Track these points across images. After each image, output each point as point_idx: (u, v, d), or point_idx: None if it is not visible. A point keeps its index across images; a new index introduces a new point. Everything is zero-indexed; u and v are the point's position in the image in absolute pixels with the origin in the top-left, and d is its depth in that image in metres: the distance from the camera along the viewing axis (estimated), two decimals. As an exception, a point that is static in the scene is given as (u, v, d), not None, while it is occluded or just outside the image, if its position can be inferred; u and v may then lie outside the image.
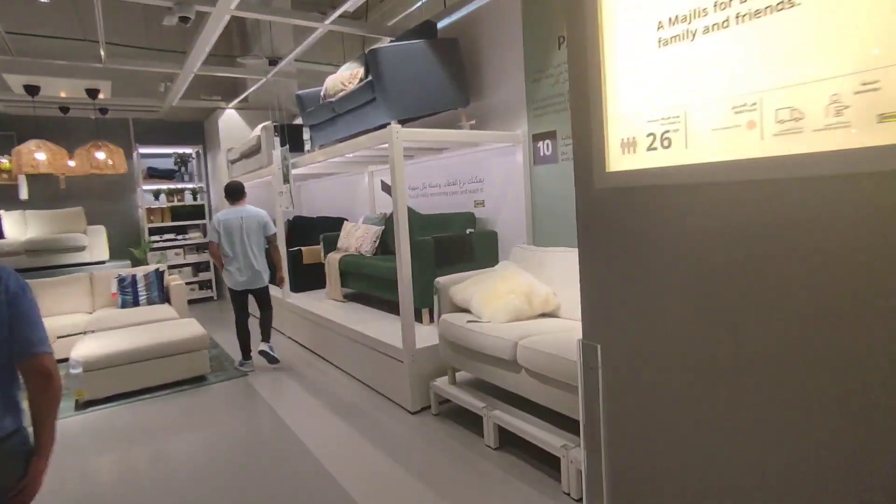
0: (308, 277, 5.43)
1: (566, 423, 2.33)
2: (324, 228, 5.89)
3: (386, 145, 3.30)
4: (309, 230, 6.30)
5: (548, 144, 3.44)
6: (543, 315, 2.83)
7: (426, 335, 3.33)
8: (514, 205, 3.76)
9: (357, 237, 4.85)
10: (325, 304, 4.64)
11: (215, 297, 7.77)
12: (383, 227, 4.83)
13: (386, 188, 5.33)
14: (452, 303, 2.96)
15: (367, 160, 4.84)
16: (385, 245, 4.81)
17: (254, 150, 5.61)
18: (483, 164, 4.01)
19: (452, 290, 2.92)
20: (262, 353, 4.15)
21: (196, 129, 7.81)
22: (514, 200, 3.75)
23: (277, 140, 4.93)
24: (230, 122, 7.17)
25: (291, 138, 4.93)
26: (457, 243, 3.72)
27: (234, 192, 4.25)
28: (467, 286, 2.88)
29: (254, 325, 4.31)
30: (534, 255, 3.05)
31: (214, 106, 7.05)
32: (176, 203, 7.51)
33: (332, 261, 4.76)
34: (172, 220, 7.49)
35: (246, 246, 4.09)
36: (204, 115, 7.53)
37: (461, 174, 4.25)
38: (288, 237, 6.29)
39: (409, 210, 4.76)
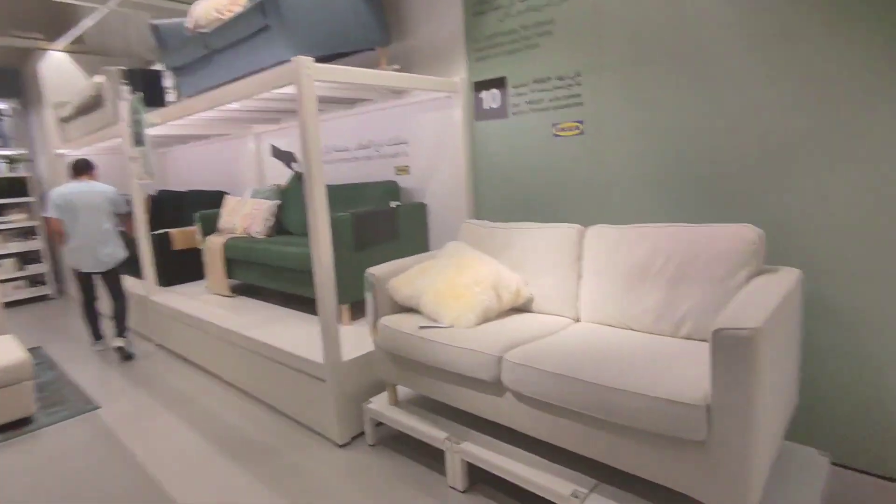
0: (180, 267, 4.31)
1: (568, 458, 1.76)
2: (198, 205, 4.75)
3: (287, 90, 2.43)
4: (179, 208, 5.09)
5: (494, 95, 2.78)
6: (514, 310, 2.22)
7: (350, 339, 2.58)
8: (448, 171, 3.07)
9: (244, 215, 3.86)
10: (207, 302, 3.63)
11: (55, 295, 6.17)
12: (278, 201, 3.89)
13: (279, 154, 4.34)
14: (392, 300, 2.23)
15: (252, 117, 3.82)
16: (281, 224, 3.89)
17: (93, 104, 4.27)
18: (407, 121, 3.25)
19: (393, 285, 2.19)
20: (117, 349, 3.72)
21: (9, 78, 6.00)
22: (448, 166, 3.07)
23: (127, 90, 3.72)
24: (59, 68, 5.55)
25: (148, 89, 3.74)
26: (380, 220, 2.96)
27: (80, 168, 3.79)
28: (412, 278, 2.17)
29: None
30: (493, 235, 2.40)
31: (32, 46, 5.39)
32: (-14, 175, 5.73)
33: (214, 246, 3.73)
34: (-19, 199, 5.72)
35: (92, 224, 3.63)
36: (18, 58, 5.77)
37: (378, 134, 3.46)
38: (151, 217, 5.04)
39: (329, 186, 3.88)
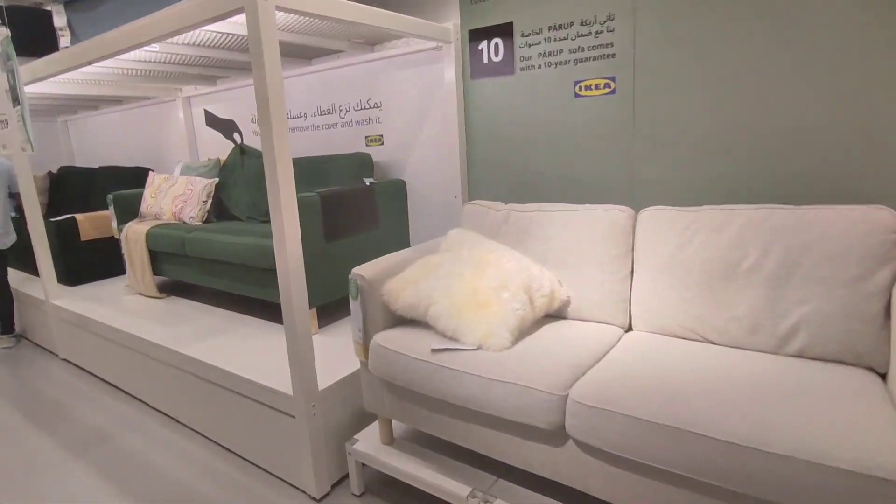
0: (91, 262, 3.50)
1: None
2: (113, 185, 3.91)
3: (230, 26, 1.79)
4: (88, 187, 4.22)
5: (496, 46, 2.24)
6: (547, 317, 1.73)
7: (321, 354, 2.00)
8: (434, 141, 2.52)
9: (174, 197, 3.12)
10: (126, 306, 2.90)
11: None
12: (216, 179, 3.18)
13: (216, 123, 3.60)
14: (387, 310, 1.68)
15: (180, 73, 3.07)
16: (221, 207, 3.20)
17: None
18: (382, 79, 2.65)
19: (389, 289, 1.63)
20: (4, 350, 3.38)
21: None
22: (434, 135, 2.51)
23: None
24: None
25: (30, 31, 2.90)
26: (355, 202, 2.38)
27: None
28: (414, 280, 1.62)
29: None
30: (509, 220, 1.89)
31: None
32: None
33: (135, 235, 2.99)
34: None
35: None
36: None
37: (343, 97, 2.83)
38: (50, 200, 4.14)
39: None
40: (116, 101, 4.21)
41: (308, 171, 2.79)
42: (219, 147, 3.63)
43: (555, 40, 2.09)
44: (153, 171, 4.01)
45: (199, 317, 2.61)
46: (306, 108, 3.02)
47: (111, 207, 3.18)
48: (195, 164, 3.37)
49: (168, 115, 3.96)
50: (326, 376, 1.82)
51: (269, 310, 2.64)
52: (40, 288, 3.33)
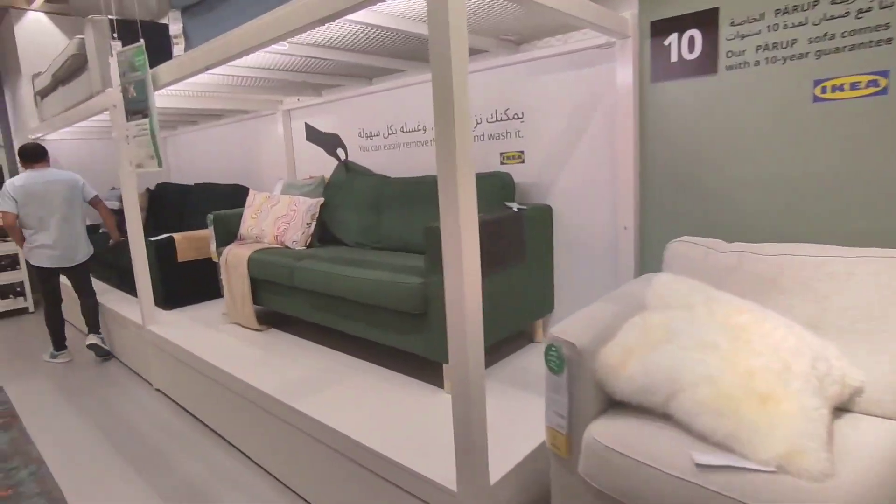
0: (187, 284, 3.29)
1: None
2: (209, 203, 3.73)
3: (381, 10, 1.44)
4: (182, 206, 4.08)
5: (691, 39, 1.78)
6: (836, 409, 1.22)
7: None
8: (593, 160, 2.07)
9: (276, 218, 2.84)
10: (225, 338, 2.61)
11: (33, 308, 5.13)
12: (321, 199, 2.88)
13: (318, 138, 3.33)
14: (599, 388, 1.22)
15: (283, 84, 2.82)
16: (324, 230, 2.89)
17: (74, 68, 3.24)
18: (526, 86, 2.24)
19: (607, 362, 1.18)
20: (91, 346, 3.37)
21: (-21, 46, 4.96)
22: (594, 151, 2.06)
23: (117, 45, 2.69)
24: (38, 31, 4.51)
25: (149, 44, 2.72)
26: (507, 231, 1.96)
27: (33, 154, 3.32)
28: (637, 348, 1.16)
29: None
30: (740, 264, 1.40)
31: (5, 4, 4.35)
32: (-52, 163, 4.69)
33: (236, 260, 2.72)
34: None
35: (56, 213, 3.27)
36: (-10, 21, 4.73)
37: (475, 107, 2.45)
38: (146, 218, 4.02)
39: (376, 176, 2.87)
40: (215, 115, 4.07)
41: (426, 193, 2.41)
42: (319, 164, 3.35)
43: (785, 27, 1.59)
44: (251, 189, 3.80)
45: (306, 358, 2.27)
46: (427, 120, 2.66)
47: (211, 228, 2.95)
48: (297, 182, 3.10)
49: (266, 130, 3.74)
50: (499, 464, 1.39)
51: (392, 356, 2.26)
52: (137, 309, 3.14)
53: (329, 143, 3.26)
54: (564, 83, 2.12)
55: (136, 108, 2.44)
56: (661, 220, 1.94)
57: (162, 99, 2.89)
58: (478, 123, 2.44)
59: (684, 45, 1.79)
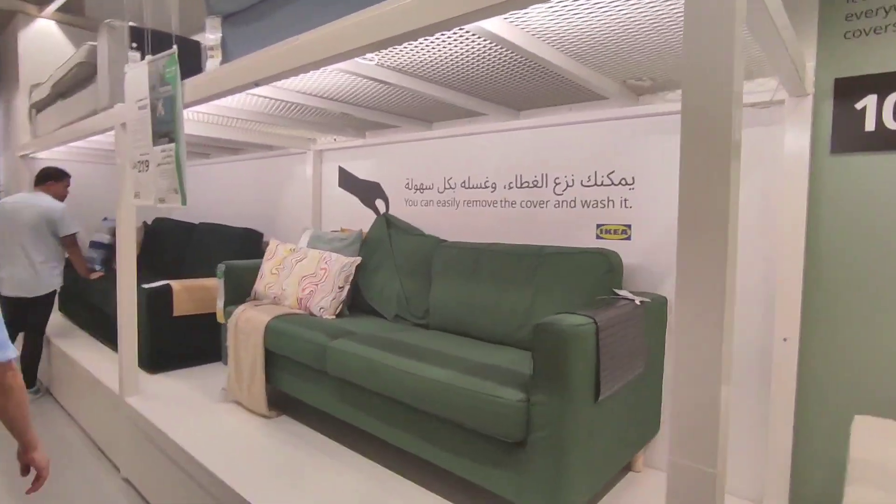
0: (181, 344, 2.72)
1: None
2: (217, 247, 3.22)
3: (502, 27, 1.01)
4: (183, 248, 3.56)
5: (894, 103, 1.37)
6: None
7: None
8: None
9: (302, 277, 2.33)
10: (223, 425, 2.04)
11: None
12: (358, 259, 2.39)
13: (354, 184, 2.87)
14: None
15: (323, 118, 2.39)
16: (357, 296, 2.39)
17: (79, 79, 2.80)
18: (641, 144, 1.82)
19: None
20: None
21: (-22, 53, 4.55)
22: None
23: (134, 58, 2.25)
24: (45, 40, 4.11)
25: (180, 60, 2.29)
26: (627, 331, 1.46)
27: (38, 177, 3.20)
28: None
29: None
30: None
31: (11, 8, 3.97)
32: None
33: (249, 326, 2.18)
34: None
35: (16, 245, 2.98)
36: (-5, 27, 4.34)
37: (566, 166, 2.01)
38: (139, 255, 3.48)
39: (426, 237, 2.40)
40: (232, 149, 3.62)
41: (514, 265, 1.93)
42: (351, 216, 2.88)
43: None
44: (268, 237, 3.31)
45: (332, 469, 1.70)
46: (497, 176, 2.22)
47: (221, 281, 2.42)
48: (327, 234, 2.61)
49: (291, 171, 3.29)
50: None
51: (460, 486, 1.70)
52: (114, 371, 2.55)
53: (367, 192, 2.80)
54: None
55: (163, 129, 1.97)
56: (839, 328, 1.46)
57: (197, 116, 2.44)
58: (568, 186, 2.00)
59: (888, 112, 1.37)
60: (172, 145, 1.88)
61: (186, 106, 1.96)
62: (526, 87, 1.77)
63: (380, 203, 2.73)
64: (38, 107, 3.60)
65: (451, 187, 2.39)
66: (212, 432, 1.97)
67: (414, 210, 2.55)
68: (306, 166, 3.10)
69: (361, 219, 2.81)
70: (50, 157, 3.84)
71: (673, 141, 1.74)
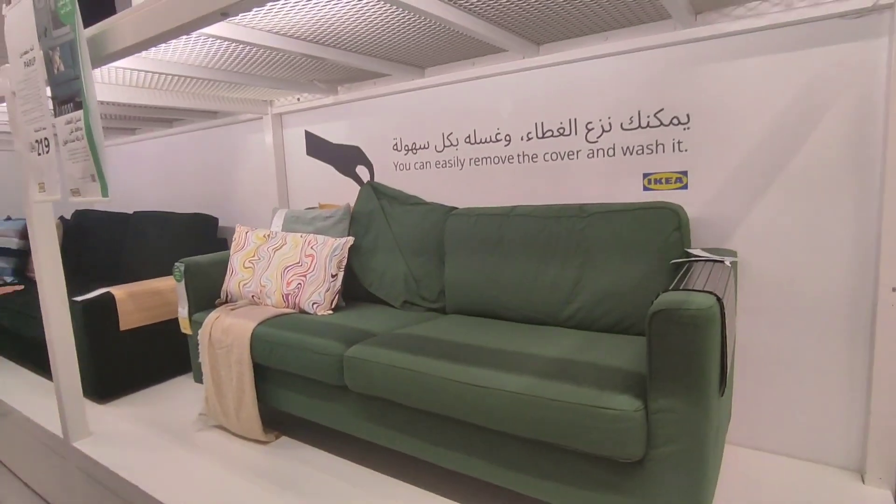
0: (133, 362, 2.24)
1: None
2: (160, 241, 2.71)
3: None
4: (116, 245, 3.02)
5: None
6: None
7: None
8: (821, 189, 1.37)
9: (285, 268, 1.92)
10: (211, 463, 1.64)
11: None
12: (349, 238, 2.00)
13: (324, 150, 2.42)
14: None
15: (279, 73, 1.95)
16: (351, 281, 2.02)
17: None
18: (700, 75, 1.51)
19: None
20: None
21: None
22: (826, 177, 1.37)
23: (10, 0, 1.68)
24: None
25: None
26: (730, 305, 1.19)
27: None
28: None
29: None
30: None
31: None
32: None
33: (227, 337, 1.75)
34: None
35: None
36: None
37: (599, 107, 1.69)
38: (63, 261, 2.94)
39: (428, 205, 2.04)
40: (164, 121, 3.04)
41: (550, 230, 1.61)
42: (326, 190, 2.44)
43: None
44: (231, 222, 2.83)
45: (365, 501, 1.37)
46: (511, 127, 1.86)
47: (181, 283, 1.95)
48: (306, 213, 2.18)
49: (243, 141, 2.78)
50: None
51: (477, 490, 1.40)
52: (53, 409, 2.06)
53: (344, 158, 2.37)
54: (770, 71, 1.41)
55: (65, 92, 1.45)
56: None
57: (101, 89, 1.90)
58: (604, 132, 1.68)
59: None
60: (80, 113, 1.39)
61: (107, 59, 1.47)
62: (549, 10, 1.41)
63: (362, 170, 2.32)
64: None
65: (452, 144, 2.01)
66: (198, 472, 1.58)
67: (406, 175, 2.16)
68: (263, 134, 2.61)
69: (339, 191, 2.39)
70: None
71: (738, 67, 1.45)
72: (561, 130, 1.76)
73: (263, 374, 1.72)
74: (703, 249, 1.46)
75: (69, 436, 1.83)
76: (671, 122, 1.57)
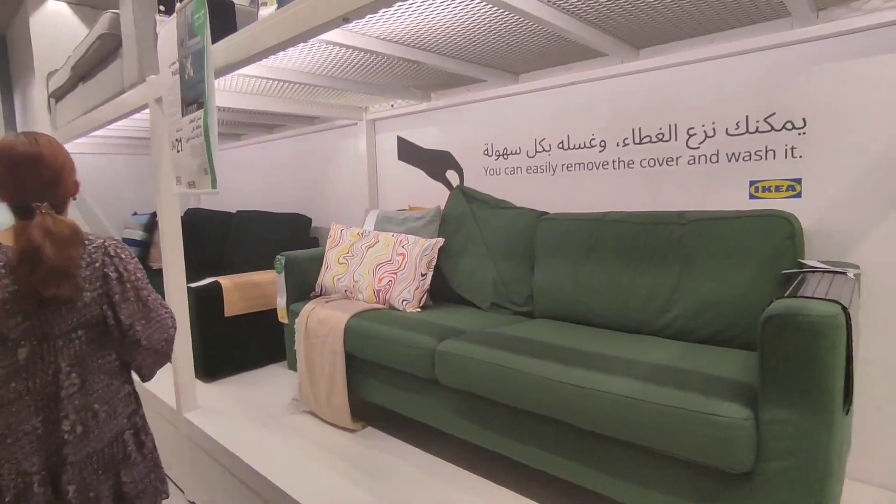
0: (234, 347, 2.43)
1: None
2: (261, 237, 2.92)
3: None
4: (221, 240, 3.27)
5: None
6: None
7: None
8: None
9: (377, 266, 2.00)
10: (302, 443, 1.74)
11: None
12: (439, 240, 2.04)
13: (414, 155, 2.51)
14: None
15: (374, 78, 2.04)
16: (441, 282, 2.06)
17: (102, 56, 2.46)
18: (818, 75, 1.42)
19: None
20: None
21: (-13, 43, 4.26)
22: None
23: (163, 21, 1.90)
24: (57, 25, 3.78)
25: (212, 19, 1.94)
26: (854, 318, 1.10)
27: None
28: None
29: None
30: None
31: (19, -11, 3.64)
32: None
33: (323, 327, 1.85)
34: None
35: None
36: (6, 19, 4.01)
37: (702, 113, 1.63)
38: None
39: (519, 210, 2.05)
40: (266, 127, 3.29)
41: (647, 237, 1.57)
42: (415, 193, 2.53)
43: None
44: (321, 222, 2.99)
45: (451, 497, 1.39)
46: (607, 132, 1.84)
47: (281, 276, 2.10)
48: (397, 214, 2.27)
49: (338, 146, 2.95)
50: None
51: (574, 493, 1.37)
52: (169, 383, 2.26)
53: (435, 163, 2.45)
54: (904, 70, 1.30)
55: (191, 95, 1.63)
56: None
57: (227, 97, 2.10)
58: (707, 137, 1.62)
59: None
60: (201, 112, 1.54)
61: (234, 68, 1.62)
62: (654, 13, 1.39)
63: (451, 175, 2.38)
64: (58, 96, 3.28)
65: (544, 150, 2.02)
66: (290, 451, 1.68)
67: (496, 180, 2.19)
68: (358, 139, 2.75)
69: (429, 195, 2.46)
70: (74, 150, 3.54)
71: (867, 65, 1.35)
72: (660, 136, 1.71)
73: (354, 365, 1.80)
74: (820, 262, 1.36)
75: (181, 407, 2.01)
76: (784, 127, 1.48)
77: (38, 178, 0.96)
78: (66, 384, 0.93)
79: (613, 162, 1.83)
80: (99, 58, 2.48)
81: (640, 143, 1.76)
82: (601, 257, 1.66)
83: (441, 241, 2.02)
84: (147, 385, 2.31)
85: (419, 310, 1.91)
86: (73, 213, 2.12)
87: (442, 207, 2.22)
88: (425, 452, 1.66)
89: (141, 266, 1.06)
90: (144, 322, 1.00)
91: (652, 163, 1.74)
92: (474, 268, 2.00)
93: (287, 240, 2.86)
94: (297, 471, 1.55)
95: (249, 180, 3.71)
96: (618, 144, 1.82)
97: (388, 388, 1.70)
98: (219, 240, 3.27)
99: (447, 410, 1.50)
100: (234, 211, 3.40)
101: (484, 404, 1.40)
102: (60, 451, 0.93)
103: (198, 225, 3.55)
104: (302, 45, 1.63)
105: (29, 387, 0.91)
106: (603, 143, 1.85)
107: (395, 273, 1.96)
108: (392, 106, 2.54)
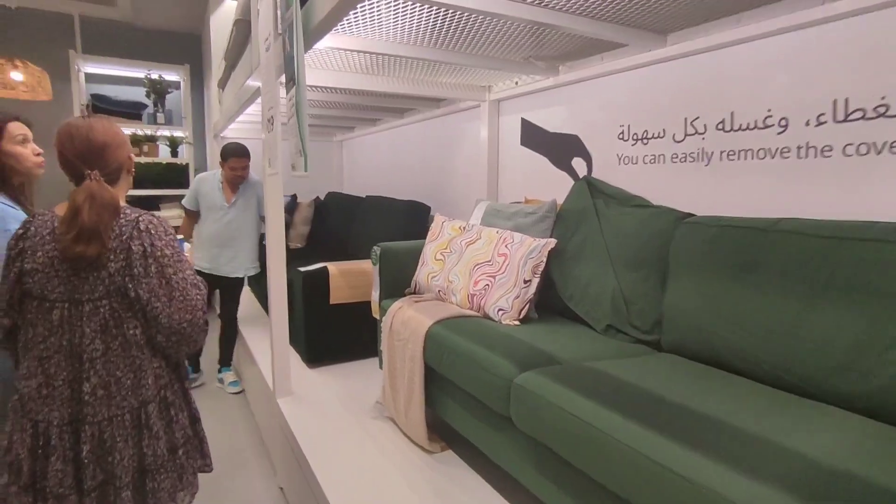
0: (337, 336, 2.38)
1: None
2: (379, 223, 2.83)
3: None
4: (347, 224, 3.27)
5: None
6: None
7: None
8: None
9: (474, 266, 1.74)
10: (375, 457, 1.57)
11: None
12: (552, 241, 1.69)
13: (538, 139, 2.17)
14: None
15: (507, 51, 1.72)
16: (549, 290, 1.70)
17: (240, 42, 2.57)
18: None
19: None
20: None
21: (185, 43, 4.89)
22: None
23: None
24: (230, 22, 4.16)
25: None
26: None
27: (233, 152, 2.65)
28: None
29: None
30: None
31: (207, -9, 4.07)
32: (142, 159, 4.59)
33: (406, 330, 1.66)
34: (134, 188, 4.60)
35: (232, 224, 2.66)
36: (199, 17, 4.56)
37: (819, 88, 1.05)
38: (308, 237, 3.30)
39: (657, 209, 1.61)
40: (398, 111, 3.21)
41: (833, 259, 1.07)
42: (536, 183, 2.20)
43: None
44: (434, 211, 2.82)
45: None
46: (789, 107, 1.32)
47: (376, 268, 1.96)
48: (508, 207, 1.98)
49: (461, 131, 2.73)
50: None
51: None
52: (266, 363, 2.29)
53: (560, 148, 2.09)
54: None
55: (289, 71, 1.52)
56: None
57: (322, 74, 2.01)
58: (820, 121, 1.04)
59: None
60: (294, 90, 1.40)
61: (321, 29, 1.46)
62: None
63: (578, 163, 2.00)
64: (221, 83, 3.60)
65: (697, 132, 1.55)
66: (358, 461, 1.52)
67: (632, 170, 1.77)
68: (480, 123, 2.49)
69: (551, 187, 2.12)
70: (234, 135, 3.89)
71: None
72: (879, 110, 1.16)
73: (434, 378, 1.57)
74: None
75: (276, 392, 2.00)
76: None
77: (89, 145, 1.03)
78: (90, 349, 0.99)
79: (799, 149, 1.31)
80: (238, 44, 2.58)
81: (843, 120, 1.22)
82: (761, 280, 1.18)
83: (552, 241, 1.67)
84: (260, 365, 2.37)
85: (517, 323, 1.61)
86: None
87: (559, 202, 1.87)
88: (505, 498, 1.37)
89: (176, 245, 1.06)
90: (166, 300, 1.01)
91: (864, 149, 1.19)
92: (591, 277, 1.63)
93: (403, 228, 2.73)
94: (354, 488, 1.38)
95: (379, 165, 3.70)
96: (807, 124, 1.29)
97: (464, 414, 1.44)
98: (346, 223, 3.30)
99: (523, 458, 1.19)
100: (363, 195, 3.41)
101: (561, 464, 1.06)
102: (82, 410, 0.99)
103: (331, 208, 3.65)
104: (403, 10, 1.42)
105: (62, 344, 0.99)
106: (783, 122, 1.34)
107: (494, 276, 1.68)
108: (516, 83, 2.23)
